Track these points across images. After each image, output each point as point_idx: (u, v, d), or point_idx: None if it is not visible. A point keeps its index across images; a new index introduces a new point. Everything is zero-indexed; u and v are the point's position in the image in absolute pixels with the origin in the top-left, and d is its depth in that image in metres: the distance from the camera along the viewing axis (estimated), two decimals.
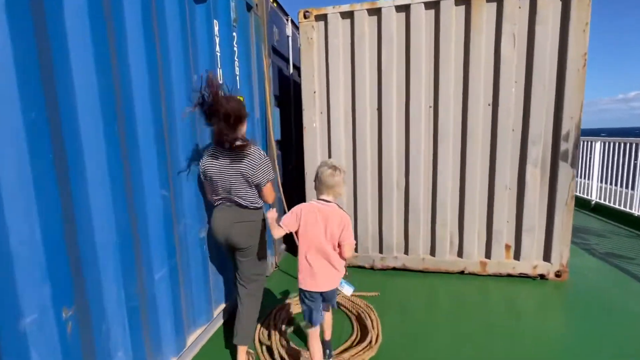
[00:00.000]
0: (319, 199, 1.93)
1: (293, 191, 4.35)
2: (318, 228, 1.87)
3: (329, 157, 3.56)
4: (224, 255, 2.54)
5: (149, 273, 1.89)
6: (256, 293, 2.25)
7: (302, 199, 3.74)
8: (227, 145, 2.00)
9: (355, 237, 3.68)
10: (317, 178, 1.92)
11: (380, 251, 3.63)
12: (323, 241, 1.86)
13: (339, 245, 1.88)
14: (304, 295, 1.95)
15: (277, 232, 1.93)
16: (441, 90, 3.22)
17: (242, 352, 2.17)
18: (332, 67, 3.41)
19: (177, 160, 2.12)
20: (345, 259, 1.95)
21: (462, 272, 3.46)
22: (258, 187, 2.13)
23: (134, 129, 1.77)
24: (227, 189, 2.09)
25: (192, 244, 2.31)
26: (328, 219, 1.86)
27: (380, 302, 2.96)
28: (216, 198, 2.17)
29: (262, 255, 2.24)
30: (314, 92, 3.51)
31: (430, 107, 3.30)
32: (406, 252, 3.58)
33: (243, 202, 2.11)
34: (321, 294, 1.94)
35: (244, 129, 2.11)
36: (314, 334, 2.00)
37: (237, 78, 2.92)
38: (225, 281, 2.76)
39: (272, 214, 1.93)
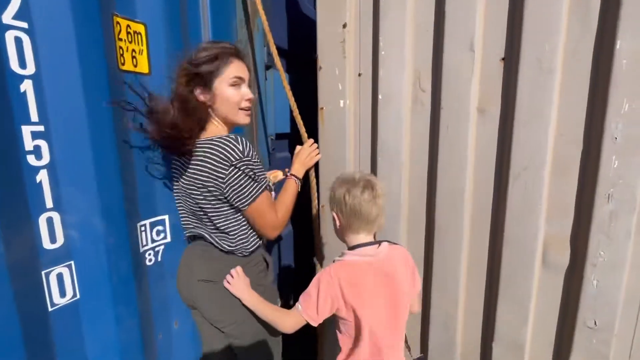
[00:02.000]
0: (355, 246, 1.08)
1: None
2: (379, 300, 1.08)
3: (374, 174, 1.59)
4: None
5: None
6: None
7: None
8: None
9: None
10: (346, 210, 1.05)
11: None
12: (392, 315, 1.09)
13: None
14: None
15: (293, 323, 1.11)
16: None
17: None
18: None
19: None
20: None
21: None
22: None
23: None
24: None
25: None
26: (394, 275, 1.08)
27: None
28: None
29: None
30: (343, 27, 1.55)
31: None
32: None
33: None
34: None
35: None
36: None
37: None
38: None
39: (240, 283, 1.17)
